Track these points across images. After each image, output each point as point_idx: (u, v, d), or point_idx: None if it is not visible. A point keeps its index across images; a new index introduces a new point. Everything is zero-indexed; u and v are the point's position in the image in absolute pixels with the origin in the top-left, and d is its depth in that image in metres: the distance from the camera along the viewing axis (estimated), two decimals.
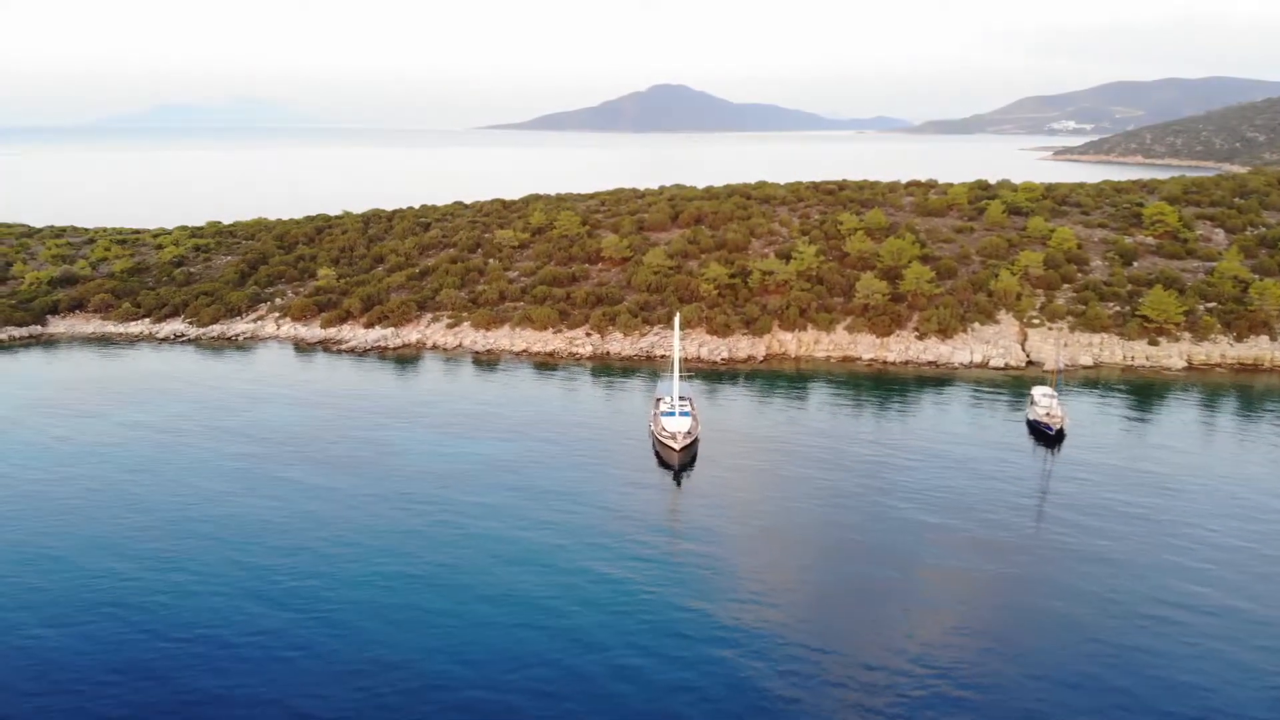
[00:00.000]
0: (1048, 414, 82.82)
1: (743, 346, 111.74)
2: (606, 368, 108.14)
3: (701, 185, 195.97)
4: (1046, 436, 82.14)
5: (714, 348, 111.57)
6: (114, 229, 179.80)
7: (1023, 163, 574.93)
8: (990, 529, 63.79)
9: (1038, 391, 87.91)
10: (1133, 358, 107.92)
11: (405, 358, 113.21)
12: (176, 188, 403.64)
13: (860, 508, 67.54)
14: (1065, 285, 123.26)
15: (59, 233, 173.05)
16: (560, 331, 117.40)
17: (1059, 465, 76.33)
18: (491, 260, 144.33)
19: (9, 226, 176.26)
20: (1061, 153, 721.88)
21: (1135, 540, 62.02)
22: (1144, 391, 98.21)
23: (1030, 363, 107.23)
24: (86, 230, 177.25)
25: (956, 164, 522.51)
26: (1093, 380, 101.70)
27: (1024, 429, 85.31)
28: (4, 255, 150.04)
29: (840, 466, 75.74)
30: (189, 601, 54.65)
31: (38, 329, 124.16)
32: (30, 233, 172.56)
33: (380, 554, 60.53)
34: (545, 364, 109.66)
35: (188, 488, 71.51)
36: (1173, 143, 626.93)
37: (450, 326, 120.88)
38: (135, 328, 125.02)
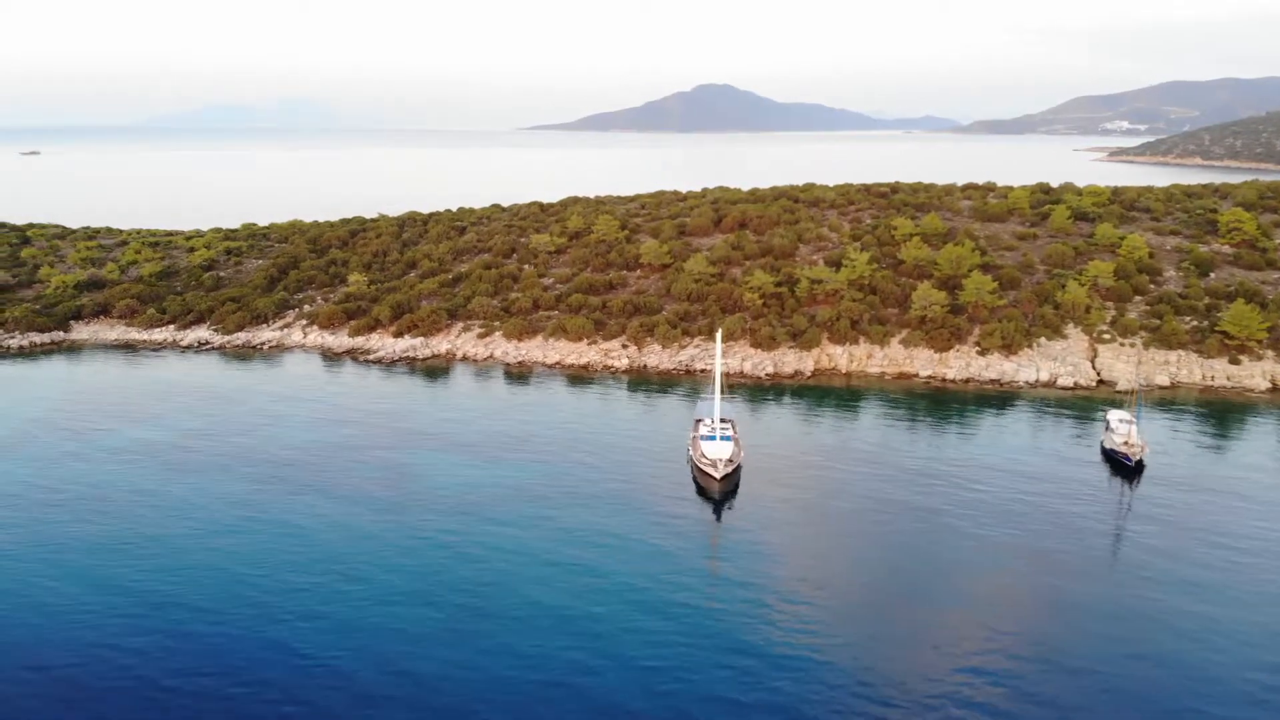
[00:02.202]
0: (1125, 443, 75.27)
1: (789, 361, 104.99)
2: (643, 381, 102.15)
3: (746, 187, 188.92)
4: (1124, 468, 74.65)
5: (758, 362, 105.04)
6: (148, 231, 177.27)
7: (1078, 164, 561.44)
8: (1066, 564, 57.03)
9: (1114, 416, 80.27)
10: (1212, 377, 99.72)
11: (434, 369, 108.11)
12: (217, 188, 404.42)
13: (920, 541, 61.11)
14: (1137, 297, 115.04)
15: (92, 234, 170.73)
16: (595, 343, 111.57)
17: (1139, 501, 68.99)
18: (526, 266, 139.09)
19: (42, 228, 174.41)
20: (1116, 154, 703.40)
21: (1241, 575, 55.06)
22: (1226, 414, 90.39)
23: (1101, 381, 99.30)
24: (120, 232, 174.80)
25: (1011, 165, 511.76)
26: (1169, 401, 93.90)
27: (1097, 455, 78.05)
28: (33, 258, 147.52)
29: (896, 495, 69.15)
30: (190, 641, 50.55)
31: (60, 335, 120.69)
32: (63, 234, 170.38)
33: (396, 593, 55.58)
34: (579, 377, 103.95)
35: (198, 509, 67.07)
36: (1232, 144, 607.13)
37: (481, 336, 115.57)
38: (159, 334, 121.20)
